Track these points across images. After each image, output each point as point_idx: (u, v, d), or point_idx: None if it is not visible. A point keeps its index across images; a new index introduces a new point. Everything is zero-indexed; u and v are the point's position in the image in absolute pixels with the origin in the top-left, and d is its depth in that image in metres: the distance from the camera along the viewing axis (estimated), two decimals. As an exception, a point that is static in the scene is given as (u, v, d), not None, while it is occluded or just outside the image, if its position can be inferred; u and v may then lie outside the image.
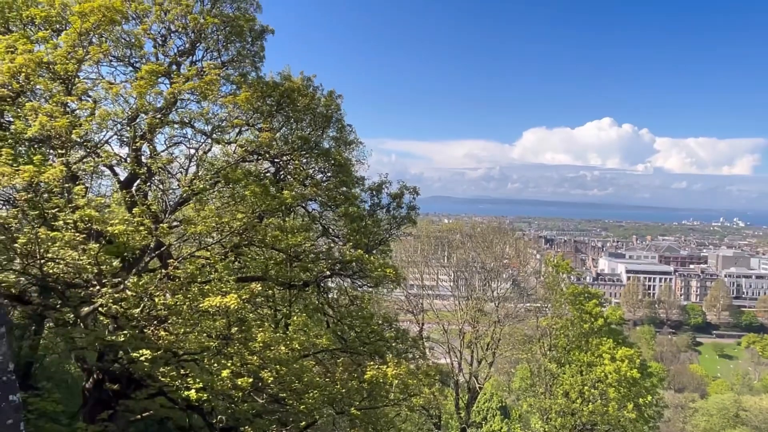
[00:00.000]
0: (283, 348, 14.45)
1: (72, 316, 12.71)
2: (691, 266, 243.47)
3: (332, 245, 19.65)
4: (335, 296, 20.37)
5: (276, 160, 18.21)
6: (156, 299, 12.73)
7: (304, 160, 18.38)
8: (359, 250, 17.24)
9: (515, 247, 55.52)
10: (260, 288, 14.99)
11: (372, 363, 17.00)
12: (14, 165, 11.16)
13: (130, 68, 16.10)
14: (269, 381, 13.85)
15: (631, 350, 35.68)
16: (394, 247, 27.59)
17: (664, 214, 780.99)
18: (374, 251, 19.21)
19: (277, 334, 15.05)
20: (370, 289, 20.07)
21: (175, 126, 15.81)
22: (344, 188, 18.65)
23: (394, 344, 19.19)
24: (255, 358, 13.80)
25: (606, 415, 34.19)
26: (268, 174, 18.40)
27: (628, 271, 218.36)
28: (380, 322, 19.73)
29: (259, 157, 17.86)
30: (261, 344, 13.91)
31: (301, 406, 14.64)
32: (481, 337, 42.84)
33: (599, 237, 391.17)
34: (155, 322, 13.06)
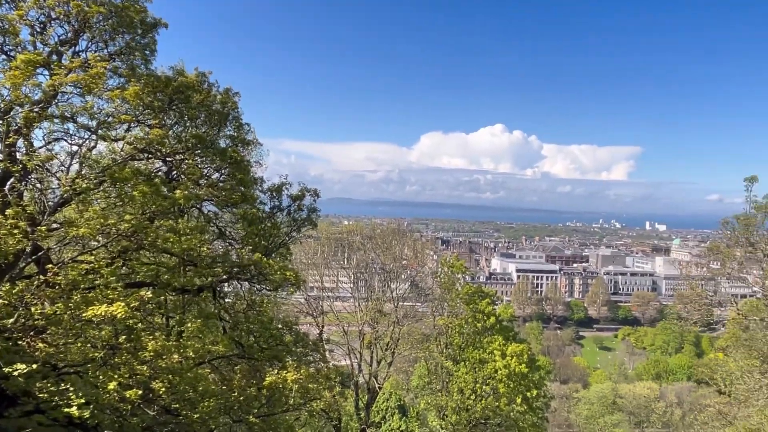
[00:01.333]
0: (176, 356, 13.76)
1: (-69, 329, 11.46)
2: (575, 265, 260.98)
3: (229, 248, 19.03)
4: (232, 301, 19.74)
5: (168, 158, 17.32)
6: (33, 308, 11.72)
7: (199, 160, 17.62)
8: (258, 254, 16.81)
9: (413, 248, 56.65)
10: (150, 295, 14.24)
11: (271, 369, 16.66)
12: None
13: (3, 57, 14.74)
14: (161, 391, 13.15)
15: (521, 346, 37.25)
16: (294, 250, 27.21)
17: (551, 216, 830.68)
18: (273, 254, 18.83)
19: (170, 343, 14.33)
20: (270, 293, 19.64)
21: (56, 120, 14.61)
22: (242, 188, 18.12)
23: (293, 348, 18.91)
24: (145, 368, 13.03)
25: (498, 409, 35.59)
26: (159, 173, 17.50)
27: (518, 271, 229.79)
28: (279, 326, 19.38)
29: (150, 156, 16.91)
30: (152, 353, 13.15)
31: (196, 416, 14.01)
32: (381, 338, 43.23)
33: (492, 238, 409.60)
34: (32, 333, 12.00)
